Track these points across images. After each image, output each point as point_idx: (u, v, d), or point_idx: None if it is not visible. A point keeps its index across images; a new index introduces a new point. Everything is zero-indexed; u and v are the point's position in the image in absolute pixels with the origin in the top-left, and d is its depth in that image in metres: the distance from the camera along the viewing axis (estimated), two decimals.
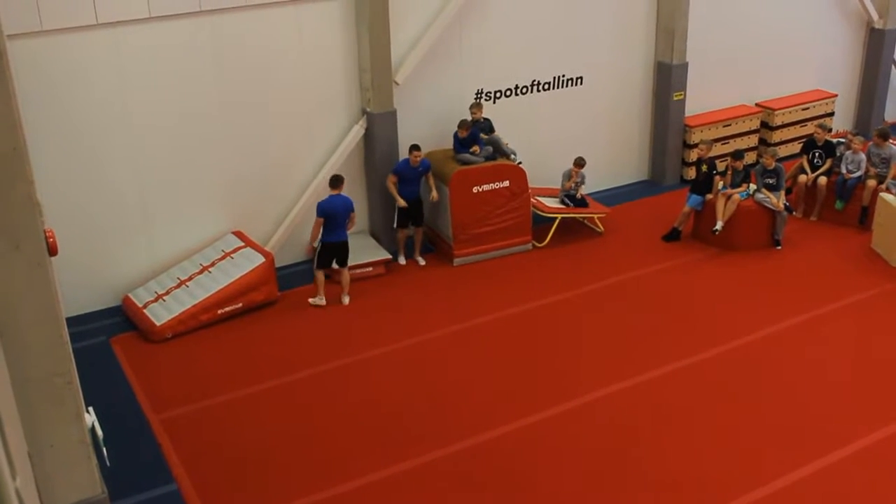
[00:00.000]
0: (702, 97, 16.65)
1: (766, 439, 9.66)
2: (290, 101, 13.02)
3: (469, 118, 13.78)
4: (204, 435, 9.99)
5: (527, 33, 14.69)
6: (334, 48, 13.18)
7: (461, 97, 14.37)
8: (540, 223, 14.32)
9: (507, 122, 14.47)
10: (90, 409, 6.29)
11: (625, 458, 9.44)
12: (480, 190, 13.59)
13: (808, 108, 17.64)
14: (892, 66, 18.84)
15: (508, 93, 14.85)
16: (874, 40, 18.44)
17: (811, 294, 12.68)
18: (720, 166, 14.53)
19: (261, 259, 12.43)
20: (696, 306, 12.48)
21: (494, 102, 14.64)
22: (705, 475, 9.12)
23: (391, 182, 13.43)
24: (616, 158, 16.41)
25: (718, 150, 16.11)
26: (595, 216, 14.74)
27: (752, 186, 14.17)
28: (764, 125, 17.39)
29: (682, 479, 9.09)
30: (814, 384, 10.66)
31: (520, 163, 13.94)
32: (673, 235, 14.43)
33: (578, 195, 14.53)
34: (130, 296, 12.42)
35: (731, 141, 16.68)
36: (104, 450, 6.52)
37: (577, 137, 15.58)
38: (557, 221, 14.38)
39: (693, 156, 16.01)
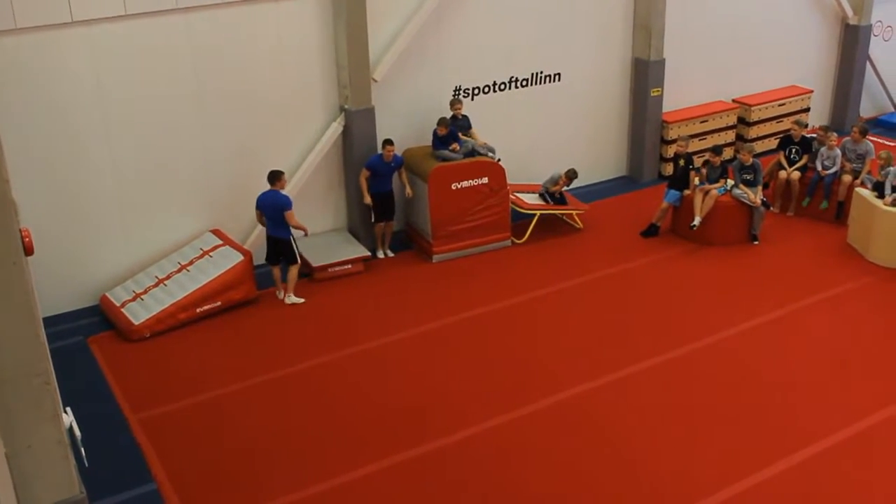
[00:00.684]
0: (679, 93, 16.73)
1: (744, 434, 9.71)
2: (268, 98, 12.98)
3: (448, 116, 13.79)
4: (183, 434, 9.95)
5: (505, 30, 14.71)
6: (312, 45, 13.15)
7: (439, 94, 14.37)
8: (519, 219, 14.35)
9: (486, 119, 14.49)
10: (68, 409, 6.25)
11: (602, 454, 9.46)
12: (459, 187, 13.60)
13: (784, 104, 17.76)
14: (867, 62, 19.00)
15: (486, 90, 14.86)
16: (849, 36, 18.58)
17: (788, 289, 12.77)
18: (697, 162, 14.61)
19: (239, 257, 12.39)
20: (675, 302, 12.55)
21: (472, 99, 14.64)
22: (683, 471, 9.16)
23: (363, 177, 13.44)
24: (594, 155, 16.46)
25: (696, 145, 16.22)
26: (574, 213, 14.78)
27: (730, 182, 14.25)
28: (741, 121, 17.50)
29: (660, 474, 9.12)
30: (791, 378, 10.73)
31: (498, 160, 13.96)
32: (651, 231, 14.49)
33: (557, 193, 14.57)
34: (108, 295, 12.35)
35: (709, 137, 16.77)
36: (82, 450, 6.47)
37: (555, 134, 15.63)
38: (536, 218, 14.42)
39: (671, 151, 16.09)
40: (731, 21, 17.01)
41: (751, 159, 14.09)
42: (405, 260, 13.93)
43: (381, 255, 13.92)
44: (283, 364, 11.20)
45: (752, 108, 17.37)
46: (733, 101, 17.56)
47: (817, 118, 18.61)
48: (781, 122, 17.65)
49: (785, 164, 15.08)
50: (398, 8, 13.62)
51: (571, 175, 14.51)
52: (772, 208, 14.93)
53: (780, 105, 17.71)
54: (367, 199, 13.48)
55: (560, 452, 9.48)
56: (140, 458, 9.53)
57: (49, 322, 11.19)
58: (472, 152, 13.80)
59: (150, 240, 12.71)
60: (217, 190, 13.01)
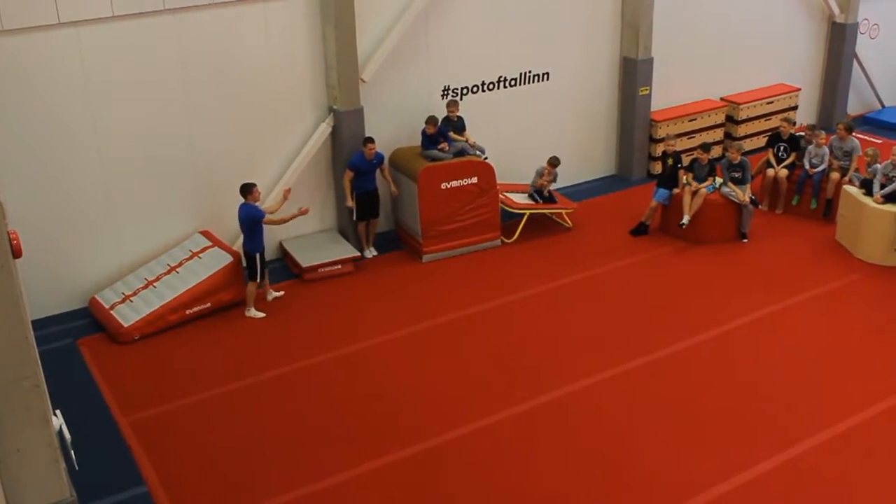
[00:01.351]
0: (667, 92, 16.77)
1: (736, 431, 9.74)
2: (257, 99, 12.96)
3: (435, 114, 13.79)
4: (173, 436, 9.93)
5: (493, 30, 14.72)
6: (300, 46, 13.13)
7: (428, 94, 14.38)
8: (508, 219, 14.36)
9: (474, 118, 14.49)
10: (57, 412, 6.23)
11: (596, 452, 9.48)
12: (449, 186, 13.60)
13: (772, 102, 17.82)
14: (854, 60, 19.07)
15: (475, 89, 14.87)
16: (836, 34, 18.65)
17: (777, 286, 12.81)
18: (685, 160, 14.65)
19: (228, 259, 12.37)
20: (664, 300, 12.57)
21: (461, 99, 14.64)
22: (676, 467, 9.19)
23: (347, 178, 13.45)
24: (583, 154, 16.49)
25: (684, 144, 16.26)
26: (563, 212, 14.80)
27: (719, 180, 14.28)
28: (729, 119, 17.55)
29: (653, 471, 9.15)
30: (781, 375, 10.76)
31: (486, 158, 13.98)
32: (640, 230, 14.52)
33: (546, 192, 14.59)
34: (97, 297, 12.31)
35: (697, 135, 16.80)
36: (72, 453, 6.45)
37: (544, 133, 15.64)
38: (526, 217, 14.43)
39: (659, 150, 16.12)
40: (718, 19, 17.06)
41: (739, 157, 14.13)
42: (395, 260, 13.93)
43: (367, 254, 13.91)
44: (273, 366, 11.18)
45: (741, 107, 17.42)
46: (721, 99, 17.60)
47: (805, 116, 18.67)
48: (769, 119, 17.71)
49: (773, 161, 15.13)
50: (386, 8, 13.61)
51: (554, 162, 14.51)
52: (760, 206, 14.97)
53: (767, 103, 17.77)
54: (351, 203, 13.51)
55: (552, 450, 9.49)
56: (130, 460, 9.50)
57: (38, 325, 11.17)
58: (462, 152, 13.81)
59: (138, 241, 12.68)
60: (206, 191, 12.98)
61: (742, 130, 17.56)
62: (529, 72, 15.34)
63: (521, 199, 14.61)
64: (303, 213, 12.45)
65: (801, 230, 14.53)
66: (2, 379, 5.28)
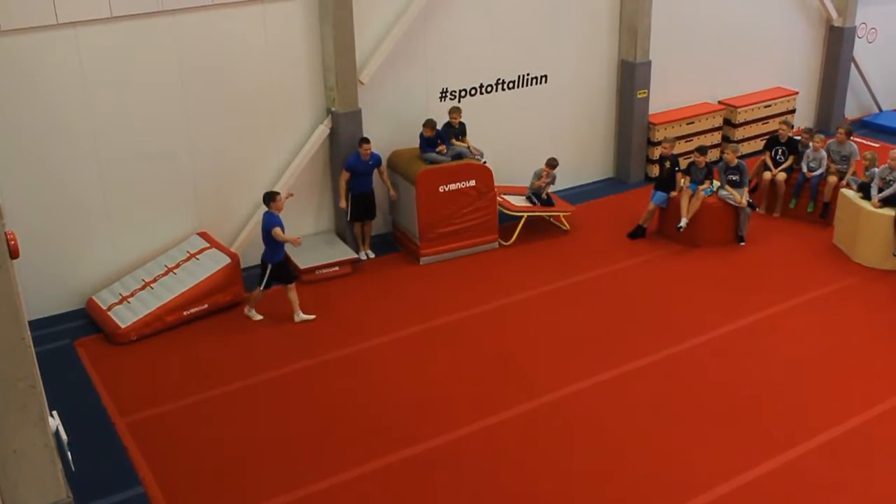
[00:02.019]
0: (665, 95, 16.79)
1: (733, 433, 9.75)
2: (255, 100, 12.96)
3: (433, 117, 13.78)
4: (170, 437, 9.92)
5: (491, 32, 14.73)
6: (298, 48, 13.14)
7: (426, 96, 14.38)
8: (506, 221, 14.37)
9: (472, 120, 14.48)
10: (54, 412, 6.24)
11: (593, 454, 9.48)
12: (447, 189, 13.60)
13: (770, 106, 17.85)
14: (852, 64, 19.09)
15: (473, 92, 14.88)
16: (833, 38, 18.68)
17: (775, 289, 12.82)
18: (683, 163, 14.65)
19: (226, 260, 12.36)
20: (662, 303, 12.58)
21: (459, 101, 14.65)
22: (674, 469, 9.19)
23: (343, 179, 13.44)
24: (581, 156, 16.50)
25: (682, 147, 16.27)
26: (561, 214, 14.80)
27: (716, 183, 14.30)
28: (727, 122, 17.56)
29: (651, 473, 9.15)
30: (779, 378, 10.77)
31: (484, 162, 13.98)
32: (638, 233, 14.53)
33: (544, 194, 14.59)
34: (94, 298, 12.30)
35: (695, 138, 16.81)
36: (69, 454, 6.45)
37: (542, 136, 15.65)
38: (524, 220, 14.44)
39: (657, 153, 16.12)
40: (717, 23, 17.08)
41: (736, 160, 14.14)
42: (392, 262, 13.93)
43: (362, 256, 13.89)
44: (270, 367, 11.17)
45: (738, 110, 17.44)
46: (719, 102, 17.62)
47: (803, 119, 18.70)
48: (767, 123, 17.73)
49: (770, 164, 15.14)
50: (385, 10, 13.62)
51: (552, 163, 14.53)
52: (758, 209, 14.98)
53: (765, 106, 17.79)
54: (343, 203, 13.52)
55: (549, 453, 9.49)
56: (127, 461, 9.49)
57: (35, 325, 11.18)
58: (460, 155, 13.81)
59: (136, 242, 12.67)
60: (203, 193, 12.98)
61: (740, 134, 17.58)
62: (527, 74, 15.35)
63: (518, 201, 14.61)
64: (297, 242, 12.05)
65: (799, 233, 14.54)
66: None
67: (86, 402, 10.50)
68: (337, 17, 12.91)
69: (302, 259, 13.28)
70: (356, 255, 13.64)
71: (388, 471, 9.29)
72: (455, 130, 14.06)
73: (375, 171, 13.69)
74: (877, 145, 17.44)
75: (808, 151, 14.82)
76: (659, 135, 16.48)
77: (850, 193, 13.81)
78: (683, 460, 9.34)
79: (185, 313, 12.06)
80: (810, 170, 14.73)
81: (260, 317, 12.28)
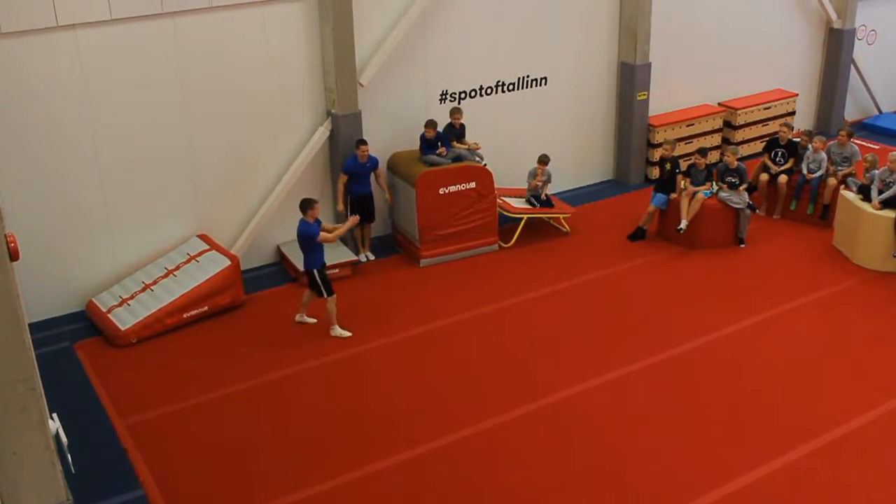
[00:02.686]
0: (665, 97, 16.80)
1: (732, 435, 9.74)
2: (255, 102, 12.96)
3: (434, 118, 13.79)
4: (170, 439, 9.92)
5: (491, 34, 14.73)
6: (298, 50, 13.14)
7: (426, 98, 14.39)
8: (506, 223, 14.37)
9: (472, 122, 14.49)
10: (54, 415, 6.22)
11: (593, 456, 9.48)
12: (447, 191, 13.60)
13: (769, 108, 17.85)
14: (851, 66, 19.10)
15: (473, 94, 14.88)
16: (833, 40, 18.69)
17: (775, 291, 12.82)
18: (683, 165, 14.65)
19: (226, 262, 12.36)
20: (662, 304, 12.57)
21: (459, 103, 14.65)
22: (675, 471, 9.18)
23: (341, 182, 13.45)
24: (581, 158, 16.51)
25: (682, 149, 16.27)
26: (561, 216, 14.81)
27: (716, 185, 14.29)
28: (727, 124, 17.57)
29: (652, 475, 9.14)
30: (778, 380, 10.77)
31: (485, 164, 13.99)
32: (638, 234, 14.53)
33: (543, 195, 14.59)
34: (94, 300, 12.30)
35: (695, 140, 16.82)
36: (69, 456, 6.44)
37: (542, 138, 15.64)
38: (524, 222, 14.44)
39: (657, 155, 16.12)
40: (716, 25, 17.09)
41: (735, 162, 14.14)
42: (392, 264, 13.93)
43: (362, 258, 13.89)
44: (271, 369, 11.17)
45: (738, 112, 17.44)
46: (719, 104, 17.63)
47: (802, 121, 18.71)
48: (767, 125, 17.74)
49: (770, 166, 15.13)
50: (385, 12, 13.62)
51: (544, 159, 14.53)
52: (758, 211, 14.97)
53: (765, 108, 17.79)
54: (341, 206, 13.50)
55: (549, 455, 9.48)
56: (127, 463, 9.49)
57: (35, 328, 11.19)
58: (460, 157, 13.81)
59: (136, 245, 12.67)
60: (204, 195, 12.97)
61: (740, 135, 17.58)
62: (527, 76, 15.35)
63: (518, 203, 14.62)
64: (353, 223, 11.96)
65: (799, 235, 14.54)
66: None
67: (86, 405, 10.50)
68: (337, 20, 12.92)
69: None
70: (356, 257, 13.65)
71: (389, 473, 9.29)
72: (456, 132, 14.06)
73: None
74: (877, 147, 17.46)
75: (808, 153, 14.82)
76: (659, 137, 16.49)
77: (850, 195, 13.81)
78: (684, 462, 9.33)
79: (185, 315, 12.06)
80: (810, 171, 14.73)
81: (348, 333, 11.88)
